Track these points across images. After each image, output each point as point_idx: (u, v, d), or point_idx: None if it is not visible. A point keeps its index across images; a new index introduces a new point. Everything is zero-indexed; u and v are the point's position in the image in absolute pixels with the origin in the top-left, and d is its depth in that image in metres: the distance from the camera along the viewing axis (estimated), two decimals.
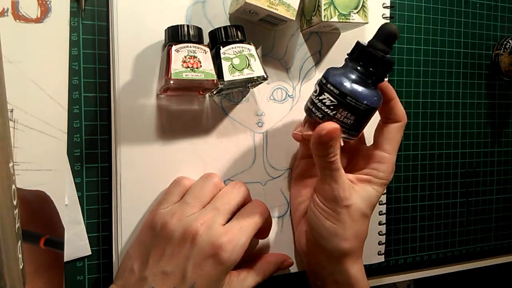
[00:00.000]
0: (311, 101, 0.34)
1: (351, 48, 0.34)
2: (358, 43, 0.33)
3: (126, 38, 0.36)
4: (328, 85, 0.32)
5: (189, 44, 0.33)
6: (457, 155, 0.53)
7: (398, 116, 0.37)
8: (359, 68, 0.33)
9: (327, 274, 0.37)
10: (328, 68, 0.34)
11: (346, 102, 0.32)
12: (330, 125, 0.32)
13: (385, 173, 0.37)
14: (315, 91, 0.34)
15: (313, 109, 0.33)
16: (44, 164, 0.34)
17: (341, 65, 0.34)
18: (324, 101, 0.33)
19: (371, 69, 0.32)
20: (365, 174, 0.37)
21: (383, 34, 0.32)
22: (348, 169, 0.39)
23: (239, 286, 0.35)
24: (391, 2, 0.46)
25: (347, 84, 0.32)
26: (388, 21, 0.46)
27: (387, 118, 0.37)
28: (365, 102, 0.32)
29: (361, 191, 0.36)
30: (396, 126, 0.37)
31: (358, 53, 0.33)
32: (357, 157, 0.40)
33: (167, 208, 0.34)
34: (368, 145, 0.40)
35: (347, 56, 0.34)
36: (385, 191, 0.47)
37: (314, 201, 0.37)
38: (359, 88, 0.32)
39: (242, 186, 0.36)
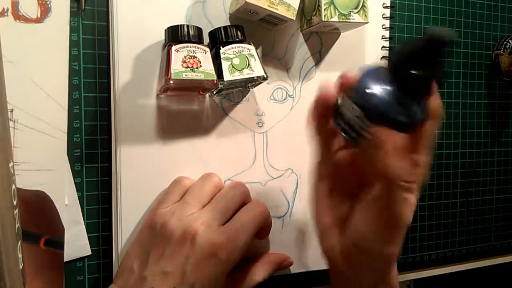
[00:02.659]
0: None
1: (351, 48, 0.33)
2: (395, 64, 0.26)
3: (126, 38, 0.36)
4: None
5: (189, 44, 0.33)
6: (457, 155, 0.53)
7: (433, 111, 0.28)
8: (396, 88, 0.26)
9: (369, 285, 0.33)
10: (366, 76, 0.28)
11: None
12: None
13: (421, 176, 0.29)
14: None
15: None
16: (44, 164, 0.34)
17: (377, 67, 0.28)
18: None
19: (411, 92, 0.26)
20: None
21: (428, 47, 0.25)
22: None
23: (239, 286, 0.35)
24: (391, 2, 0.46)
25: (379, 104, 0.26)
26: (388, 21, 0.46)
27: None
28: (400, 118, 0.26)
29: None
30: (430, 123, 0.28)
31: (396, 77, 0.26)
32: None
33: (167, 208, 0.34)
34: None
35: (388, 68, 0.27)
36: None
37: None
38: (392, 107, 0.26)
39: (242, 186, 0.36)
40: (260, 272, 0.37)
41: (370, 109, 0.27)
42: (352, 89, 0.28)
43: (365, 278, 0.32)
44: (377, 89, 0.27)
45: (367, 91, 0.27)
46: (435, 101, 0.28)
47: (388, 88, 0.26)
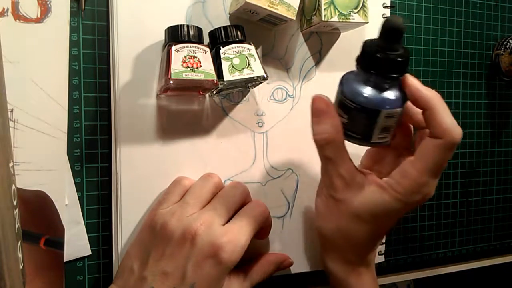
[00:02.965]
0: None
1: (351, 48, 0.34)
2: (364, 48, 0.31)
3: (126, 38, 0.36)
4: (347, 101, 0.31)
5: (189, 44, 0.33)
6: (457, 155, 0.53)
7: (436, 130, 0.30)
8: (372, 73, 0.30)
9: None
10: (344, 76, 0.33)
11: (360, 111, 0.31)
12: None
13: (404, 190, 0.31)
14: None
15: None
16: (44, 164, 0.34)
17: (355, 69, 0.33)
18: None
19: (384, 73, 0.30)
20: (385, 179, 0.33)
21: (387, 31, 0.29)
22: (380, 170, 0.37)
23: (239, 286, 0.35)
24: (391, 2, 0.46)
25: (363, 95, 0.31)
26: None
27: (425, 128, 0.32)
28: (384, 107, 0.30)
29: (366, 192, 0.33)
30: (433, 143, 0.30)
31: (366, 60, 0.31)
32: (394, 160, 0.36)
33: (167, 208, 0.34)
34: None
35: (356, 63, 0.32)
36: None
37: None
38: (375, 95, 0.31)
39: (242, 186, 0.36)
40: (260, 272, 0.37)
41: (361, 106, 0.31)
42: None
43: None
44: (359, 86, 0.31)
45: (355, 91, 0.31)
46: (408, 81, 0.31)
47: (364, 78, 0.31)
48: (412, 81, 0.31)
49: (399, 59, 0.30)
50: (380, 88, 0.31)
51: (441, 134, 0.30)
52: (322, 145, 0.33)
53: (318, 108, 0.33)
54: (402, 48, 0.30)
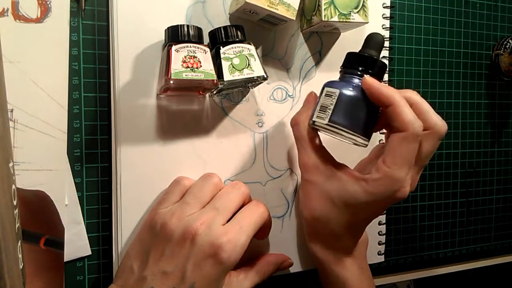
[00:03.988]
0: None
1: (351, 48, 0.34)
2: (350, 53, 0.36)
3: (126, 38, 0.36)
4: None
5: (189, 44, 0.33)
6: (457, 155, 0.53)
7: (399, 124, 0.32)
8: (359, 73, 0.34)
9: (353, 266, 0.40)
10: (326, 83, 0.36)
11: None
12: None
13: (374, 183, 0.33)
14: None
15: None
16: (44, 164, 0.34)
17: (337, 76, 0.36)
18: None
19: (370, 71, 0.34)
20: (360, 172, 0.35)
21: (373, 42, 0.35)
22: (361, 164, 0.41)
23: (239, 286, 0.35)
24: (391, 2, 0.46)
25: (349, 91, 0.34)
26: (388, 21, 0.46)
27: (390, 126, 0.33)
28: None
29: (341, 181, 0.35)
30: (397, 136, 0.32)
31: (355, 59, 0.35)
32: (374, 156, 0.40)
33: (167, 208, 0.34)
34: None
35: (341, 68, 0.36)
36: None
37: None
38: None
39: (242, 186, 0.36)
40: (260, 272, 0.37)
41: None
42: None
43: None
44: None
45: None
46: (367, 80, 0.33)
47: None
48: (370, 79, 0.33)
49: (365, 54, 0.34)
50: (341, 77, 0.36)
51: (403, 127, 0.32)
52: (292, 126, 0.38)
53: (305, 99, 0.39)
54: (377, 55, 0.35)
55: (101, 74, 0.37)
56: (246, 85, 0.39)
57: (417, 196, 0.51)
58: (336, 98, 0.33)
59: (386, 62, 0.45)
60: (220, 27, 0.35)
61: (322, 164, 0.36)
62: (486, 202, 0.55)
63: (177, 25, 0.34)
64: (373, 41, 0.35)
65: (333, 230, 0.37)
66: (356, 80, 0.34)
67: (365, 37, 0.36)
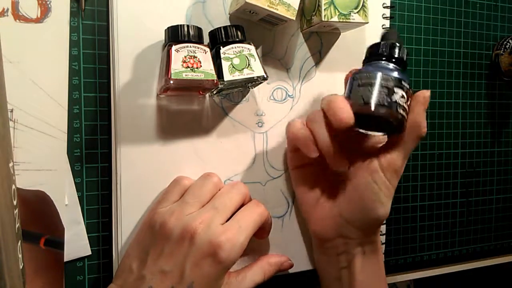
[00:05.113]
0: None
1: (351, 48, 0.34)
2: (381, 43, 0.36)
3: (126, 38, 0.36)
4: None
5: (189, 44, 0.33)
6: (457, 155, 0.53)
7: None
8: (393, 60, 0.35)
9: (356, 250, 0.39)
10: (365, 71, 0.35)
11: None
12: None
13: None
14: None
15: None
16: (44, 164, 0.34)
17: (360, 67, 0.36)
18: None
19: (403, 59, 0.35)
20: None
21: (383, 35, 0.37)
22: None
23: (238, 287, 0.35)
24: (391, 2, 0.46)
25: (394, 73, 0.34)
26: (388, 21, 0.46)
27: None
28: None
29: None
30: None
31: (390, 49, 0.35)
32: None
33: (166, 207, 0.34)
34: None
35: (379, 58, 0.36)
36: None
37: (378, 175, 0.36)
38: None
39: (242, 186, 0.36)
40: (260, 273, 0.37)
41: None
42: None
43: (351, 245, 0.38)
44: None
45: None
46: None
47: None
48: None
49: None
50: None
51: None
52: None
53: None
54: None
55: (101, 74, 0.37)
56: (246, 85, 0.39)
57: (417, 196, 0.51)
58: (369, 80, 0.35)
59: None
60: (220, 27, 0.35)
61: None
62: (486, 202, 0.55)
63: (177, 25, 0.34)
64: (390, 34, 0.37)
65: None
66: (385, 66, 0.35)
67: (365, 37, 0.35)
